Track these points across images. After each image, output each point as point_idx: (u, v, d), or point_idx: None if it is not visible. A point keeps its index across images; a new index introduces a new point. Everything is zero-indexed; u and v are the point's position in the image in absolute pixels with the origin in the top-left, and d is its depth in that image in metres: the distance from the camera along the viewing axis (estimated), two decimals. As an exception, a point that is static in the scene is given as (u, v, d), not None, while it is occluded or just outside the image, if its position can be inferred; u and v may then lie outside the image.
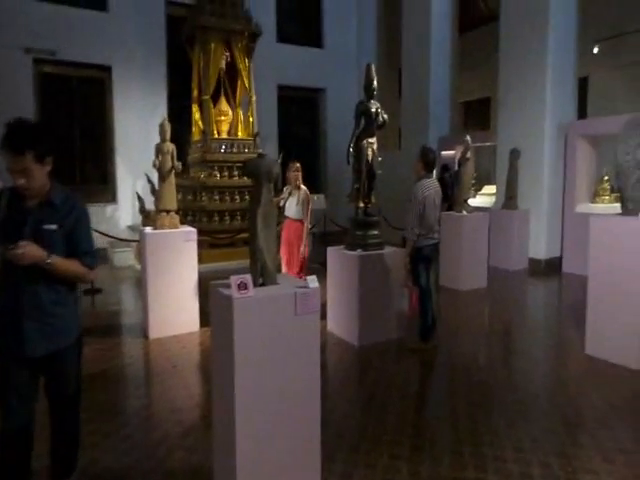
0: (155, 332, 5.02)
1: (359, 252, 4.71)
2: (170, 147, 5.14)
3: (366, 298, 4.68)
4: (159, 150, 5.13)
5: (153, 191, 5.49)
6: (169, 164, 5.14)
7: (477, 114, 14.55)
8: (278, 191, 3.16)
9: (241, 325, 2.19)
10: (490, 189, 9.84)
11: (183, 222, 5.57)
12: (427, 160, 4.71)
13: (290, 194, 5.60)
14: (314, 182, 13.28)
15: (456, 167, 9.80)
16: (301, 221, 5.55)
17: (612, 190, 7.87)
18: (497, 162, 9.12)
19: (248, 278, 2.29)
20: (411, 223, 4.44)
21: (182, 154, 10.37)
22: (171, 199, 5.21)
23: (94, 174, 10.91)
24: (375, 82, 4.99)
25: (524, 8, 8.40)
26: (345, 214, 12.84)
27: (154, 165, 5.07)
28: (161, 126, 5.14)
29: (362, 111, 5.03)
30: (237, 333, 2.17)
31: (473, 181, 8.11)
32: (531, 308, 6.53)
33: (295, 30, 12.98)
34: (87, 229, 2.38)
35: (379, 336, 4.81)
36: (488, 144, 9.83)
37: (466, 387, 3.84)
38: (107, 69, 10.42)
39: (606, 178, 8.08)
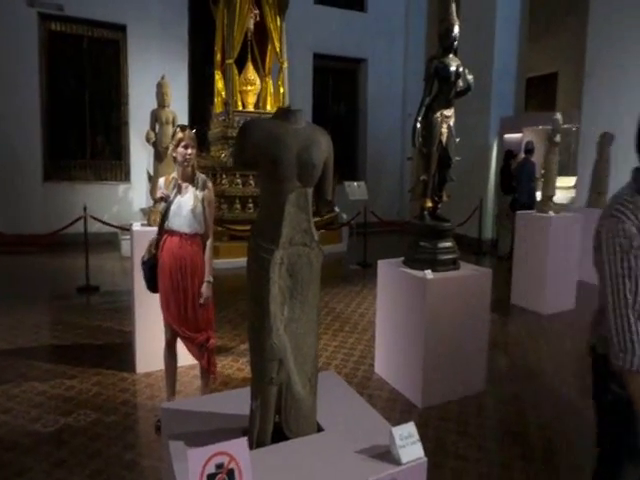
0: (144, 365, 3.75)
1: (428, 273, 3.27)
2: (171, 115, 3.79)
3: (436, 339, 3.27)
4: (156, 118, 3.79)
5: (150, 178, 4.20)
6: (169, 138, 3.79)
7: (540, 92, 12.65)
8: (326, 204, 1.59)
9: None
10: (566, 181, 8.17)
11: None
12: None
13: (178, 190, 2.83)
14: (353, 167, 11.79)
15: (522, 154, 8.20)
16: (199, 237, 2.87)
17: None
18: (580, 148, 7.44)
19: (239, 447, 0.93)
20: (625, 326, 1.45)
21: (204, 129, 9.13)
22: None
23: (106, 148, 9.73)
24: (457, 28, 3.47)
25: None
26: (387, 205, 11.44)
27: (148, 138, 3.73)
28: (159, 86, 3.79)
29: (435, 70, 3.51)
30: None
31: (542, 171, 6.50)
32: None
33: (335, -10, 11.33)
34: None
35: (452, 393, 3.40)
36: (565, 126, 8.11)
37: None
38: (121, 28, 9.12)
39: None
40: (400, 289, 3.49)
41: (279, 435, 1.44)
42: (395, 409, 3.33)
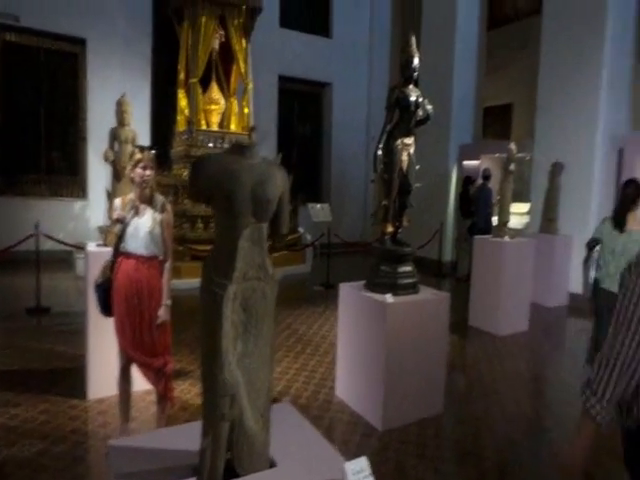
0: (97, 390, 3.59)
1: (388, 297, 3.32)
2: (130, 134, 3.74)
3: (396, 363, 3.30)
4: (115, 137, 3.73)
5: (109, 196, 4.10)
6: (128, 157, 3.73)
7: (497, 121, 13.25)
8: (281, 238, 1.63)
9: None
10: (521, 207, 8.54)
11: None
12: None
13: (135, 212, 2.79)
14: (317, 189, 11.91)
15: (480, 180, 8.52)
16: (156, 260, 2.82)
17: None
18: (533, 177, 7.81)
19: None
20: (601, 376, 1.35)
21: (166, 148, 9.01)
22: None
23: (62, 164, 9.43)
24: (417, 60, 3.60)
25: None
26: (350, 226, 11.57)
27: (106, 157, 3.66)
28: (119, 104, 3.74)
29: (396, 100, 3.62)
30: None
31: (498, 197, 6.79)
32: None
33: (301, 15, 11.57)
34: None
35: (411, 415, 3.43)
36: (519, 155, 8.51)
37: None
38: (81, 42, 8.96)
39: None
40: (361, 313, 3.52)
41: (231, 472, 1.41)
42: (356, 432, 3.32)
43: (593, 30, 6.90)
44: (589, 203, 6.97)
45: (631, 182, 3.90)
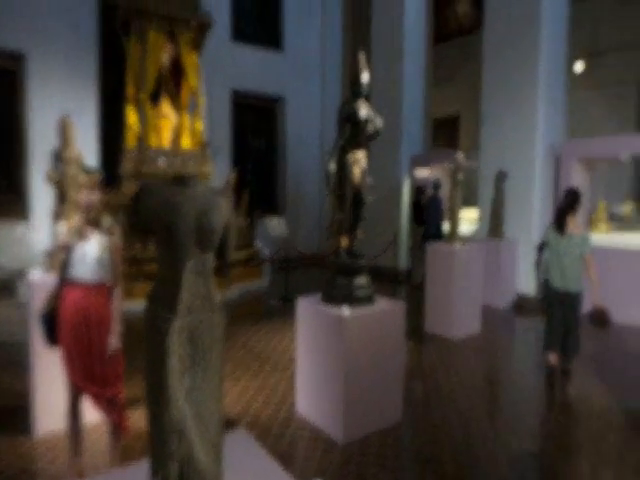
0: (44, 425, 3.40)
1: (345, 310, 3.35)
2: (74, 155, 3.61)
3: (355, 375, 3.33)
4: (58, 157, 3.60)
5: (57, 216, 3.93)
6: (72, 179, 3.59)
7: (445, 132, 13.75)
8: (226, 266, 1.61)
9: None
10: (472, 213, 8.84)
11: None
12: None
13: (81, 236, 2.67)
14: (273, 203, 11.89)
15: (430, 190, 8.78)
16: (105, 286, 2.74)
17: (610, 218, 7.04)
18: (480, 184, 8.11)
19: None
20: None
21: (116, 165, 8.74)
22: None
23: (1, 183, 8.95)
24: (366, 75, 3.70)
25: (513, 16, 7.52)
26: (307, 239, 11.59)
27: (49, 178, 3.53)
28: (61, 125, 3.62)
29: (347, 115, 3.70)
30: None
31: (448, 205, 7.02)
32: (537, 365, 5.41)
33: (252, 28, 11.59)
34: None
35: (371, 426, 3.45)
36: (467, 164, 8.83)
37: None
38: (20, 57, 8.59)
39: (602, 205, 7.26)
40: (319, 326, 3.53)
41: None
42: (317, 448, 3.31)
43: (529, 43, 7.31)
44: (531, 208, 7.32)
45: (570, 191, 4.28)
